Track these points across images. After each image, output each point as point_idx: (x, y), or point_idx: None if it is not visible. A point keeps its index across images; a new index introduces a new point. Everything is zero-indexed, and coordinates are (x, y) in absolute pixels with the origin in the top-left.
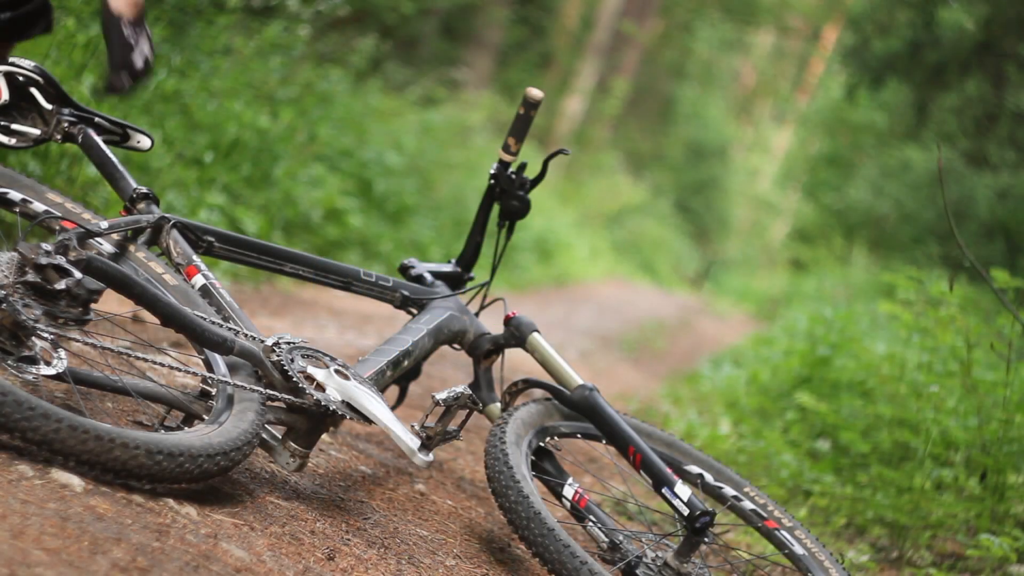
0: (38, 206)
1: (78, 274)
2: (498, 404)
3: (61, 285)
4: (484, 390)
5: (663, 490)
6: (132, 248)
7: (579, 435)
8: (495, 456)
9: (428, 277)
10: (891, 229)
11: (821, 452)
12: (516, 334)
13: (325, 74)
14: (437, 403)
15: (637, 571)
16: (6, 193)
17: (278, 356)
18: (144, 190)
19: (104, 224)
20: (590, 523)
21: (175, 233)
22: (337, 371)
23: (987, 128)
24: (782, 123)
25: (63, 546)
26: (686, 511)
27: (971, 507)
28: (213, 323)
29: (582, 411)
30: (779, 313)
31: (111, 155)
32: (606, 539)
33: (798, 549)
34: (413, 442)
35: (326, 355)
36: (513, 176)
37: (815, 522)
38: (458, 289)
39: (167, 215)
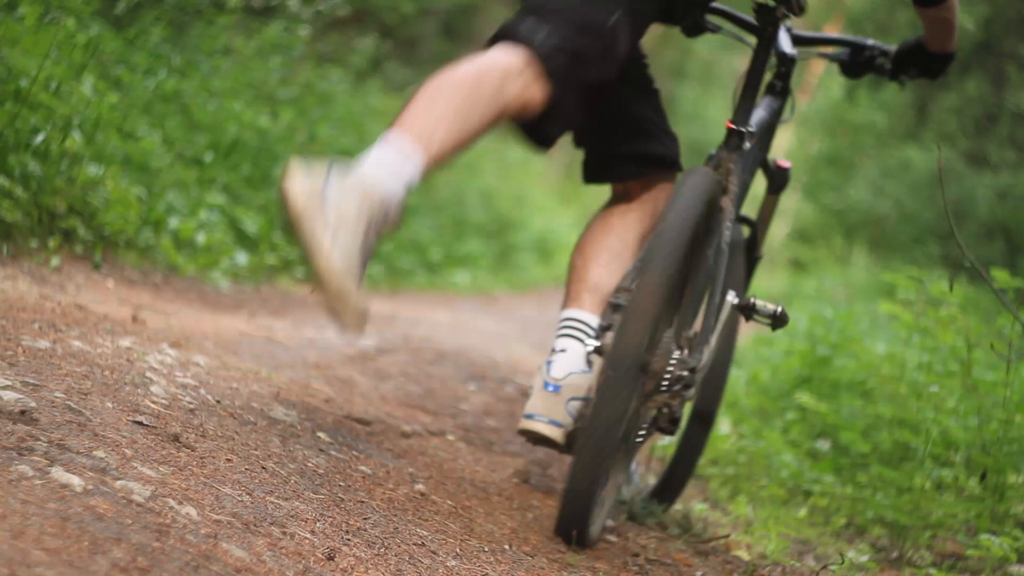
0: None
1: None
2: None
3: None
4: None
5: None
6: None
7: None
8: None
9: None
10: (891, 229)
11: (821, 452)
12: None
13: (325, 74)
14: None
15: None
16: None
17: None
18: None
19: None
20: None
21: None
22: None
23: (987, 128)
24: (782, 123)
25: (63, 546)
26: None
27: (971, 507)
28: None
29: None
30: None
31: None
32: None
33: None
34: None
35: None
36: None
37: (815, 522)
38: None
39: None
